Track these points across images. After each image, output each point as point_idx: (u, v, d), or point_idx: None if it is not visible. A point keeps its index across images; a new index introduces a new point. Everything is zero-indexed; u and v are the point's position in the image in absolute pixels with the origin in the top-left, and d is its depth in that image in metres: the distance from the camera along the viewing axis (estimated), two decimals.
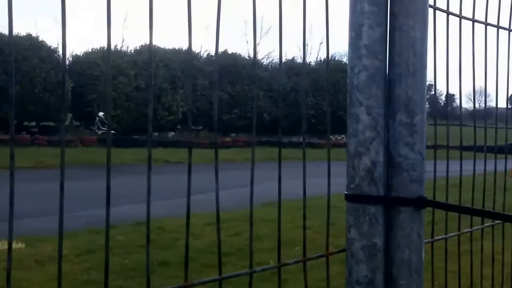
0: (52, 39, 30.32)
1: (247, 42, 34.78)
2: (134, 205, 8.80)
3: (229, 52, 29.92)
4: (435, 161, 1.45)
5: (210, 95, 27.28)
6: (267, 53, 37.36)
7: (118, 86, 24.54)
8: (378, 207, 1.14)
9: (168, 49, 27.68)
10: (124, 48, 28.02)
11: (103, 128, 23.08)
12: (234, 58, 29.26)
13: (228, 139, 25.63)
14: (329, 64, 27.98)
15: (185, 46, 28.81)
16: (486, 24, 1.62)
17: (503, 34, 1.70)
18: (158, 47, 26.80)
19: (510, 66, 1.77)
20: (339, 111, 23.52)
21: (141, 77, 25.37)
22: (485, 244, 1.68)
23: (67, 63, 25.74)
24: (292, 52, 48.65)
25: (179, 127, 27.14)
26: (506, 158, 1.94)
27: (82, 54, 26.63)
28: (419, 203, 1.14)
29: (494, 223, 1.68)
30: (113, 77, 24.32)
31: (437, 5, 1.45)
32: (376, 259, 1.13)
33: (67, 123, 24.05)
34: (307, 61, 32.02)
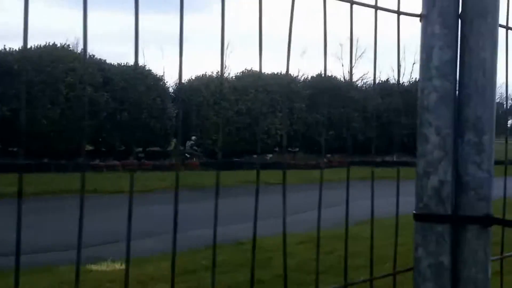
0: (158, 68, 31.98)
1: (343, 65, 34.77)
2: (236, 225, 9.07)
3: (325, 75, 30.07)
4: (505, 179, 1.44)
5: (307, 117, 27.44)
6: (362, 74, 37.09)
7: (220, 111, 25.36)
8: (445, 226, 1.16)
9: (268, 73, 28.29)
10: (225, 75, 29.00)
11: (196, 152, 23.96)
12: (330, 81, 29.31)
13: (324, 160, 25.56)
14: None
15: (283, 71, 29.52)
16: None
17: None
18: (258, 71, 27.44)
19: None
20: None
21: (242, 102, 26.04)
22: None
23: (171, 91, 27.04)
24: (386, 73, 47.90)
25: (277, 149, 27.50)
26: None
27: (186, 82, 27.86)
28: (486, 221, 1.15)
29: None
30: (215, 102, 25.19)
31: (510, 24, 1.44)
32: (443, 278, 1.15)
33: (171, 148, 25.20)
34: (401, 82, 31.60)
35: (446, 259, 1.15)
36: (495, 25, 1.24)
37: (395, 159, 26.05)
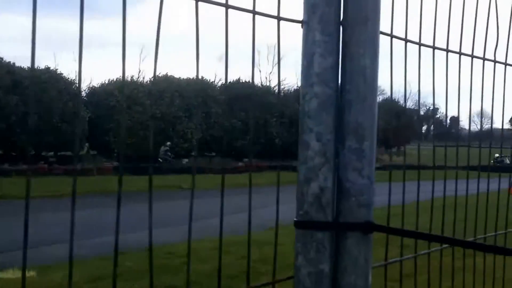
0: (70, 71, 30.93)
1: (260, 71, 35.23)
2: (147, 231, 8.93)
3: (242, 80, 30.34)
4: (389, 185, 1.46)
5: (223, 123, 27.47)
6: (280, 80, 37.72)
7: (134, 115, 24.86)
8: (325, 233, 1.15)
9: (183, 78, 28.07)
10: (140, 79, 28.54)
11: (169, 158, 23.60)
12: (247, 87, 29.56)
13: (241, 164, 25.67)
14: None
15: (199, 76, 29.42)
16: (448, 51, 1.64)
17: (472, 61, 1.71)
18: (173, 76, 27.17)
19: (468, 91, 1.77)
20: None
21: (156, 106, 25.66)
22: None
23: (83, 95, 26.22)
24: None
25: (193, 153, 27.31)
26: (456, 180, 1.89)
27: (99, 85, 27.12)
28: (366, 227, 1.14)
29: (443, 247, 1.67)
30: (129, 106, 24.65)
31: (395, 33, 1.47)
32: (323, 285, 1.14)
33: (84, 152, 24.40)
34: None
35: (326, 267, 1.14)
36: (375, 32, 1.25)
37: None
